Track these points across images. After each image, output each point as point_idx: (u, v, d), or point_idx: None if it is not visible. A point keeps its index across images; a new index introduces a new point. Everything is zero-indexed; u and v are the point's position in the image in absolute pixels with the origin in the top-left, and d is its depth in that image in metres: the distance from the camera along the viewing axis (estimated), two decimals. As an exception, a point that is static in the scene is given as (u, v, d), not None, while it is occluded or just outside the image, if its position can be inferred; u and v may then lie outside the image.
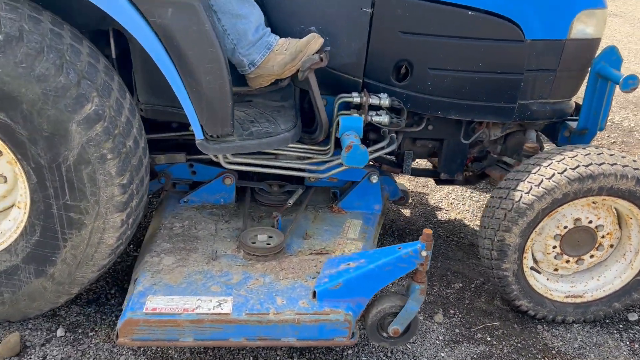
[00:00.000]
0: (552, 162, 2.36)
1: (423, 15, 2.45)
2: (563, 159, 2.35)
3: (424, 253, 2.04)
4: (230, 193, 2.75)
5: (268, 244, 2.37)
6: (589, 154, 2.35)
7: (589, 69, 2.78)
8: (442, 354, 2.34)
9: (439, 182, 3.17)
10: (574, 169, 2.30)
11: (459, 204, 3.62)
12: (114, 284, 2.57)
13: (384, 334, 2.18)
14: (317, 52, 2.40)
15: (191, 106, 2.22)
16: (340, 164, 2.61)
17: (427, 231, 2.04)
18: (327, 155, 2.63)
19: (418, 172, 3.12)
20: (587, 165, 2.30)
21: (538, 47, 2.58)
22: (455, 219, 3.45)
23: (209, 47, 2.15)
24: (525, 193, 2.33)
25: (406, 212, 3.47)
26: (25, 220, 2.09)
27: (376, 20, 2.46)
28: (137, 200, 2.19)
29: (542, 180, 2.32)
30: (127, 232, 2.21)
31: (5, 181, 2.19)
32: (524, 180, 2.37)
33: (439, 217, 3.44)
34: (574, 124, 2.86)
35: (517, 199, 2.35)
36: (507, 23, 2.49)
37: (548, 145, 3.06)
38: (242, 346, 2.08)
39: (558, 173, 2.31)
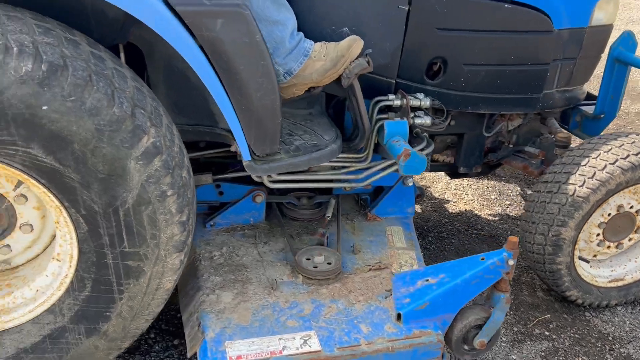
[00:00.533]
0: (600, 153, 2.36)
1: (461, 10, 2.35)
2: (611, 149, 2.35)
3: (510, 262, 1.97)
4: (261, 211, 2.55)
5: (329, 262, 2.21)
6: (635, 142, 2.37)
7: (601, 55, 2.83)
8: (513, 357, 2.31)
9: (454, 175, 3.12)
10: (624, 158, 2.31)
11: (462, 193, 3.60)
12: (150, 327, 2.30)
13: (466, 347, 2.11)
14: (358, 56, 2.25)
15: (239, 125, 2.00)
16: (380, 171, 2.48)
17: (513, 239, 1.97)
18: (363, 162, 2.49)
19: (435, 168, 3.05)
20: (637, 154, 2.32)
21: (564, 36, 2.57)
22: (466, 210, 3.42)
23: (260, 60, 1.94)
24: (579, 186, 2.32)
25: (416, 207, 3.40)
26: (71, 274, 1.79)
27: (413, 17, 2.33)
28: (192, 237, 1.95)
29: (595, 172, 2.32)
30: (181, 272, 1.98)
31: (32, 230, 1.88)
32: (574, 173, 2.36)
33: (450, 210, 3.41)
34: (588, 110, 2.89)
35: (571, 193, 2.33)
36: (539, 14, 2.45)
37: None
38: (335, 383, 1.91)
39: (610, 164, 2.31)
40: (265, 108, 2.01)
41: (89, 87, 1.58)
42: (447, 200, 3.51)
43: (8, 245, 1.88)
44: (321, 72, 2.25)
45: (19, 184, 1.73)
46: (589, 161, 2.36)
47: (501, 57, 2.49)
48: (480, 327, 2.06)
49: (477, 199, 3.54)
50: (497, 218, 3.36)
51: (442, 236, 3.12)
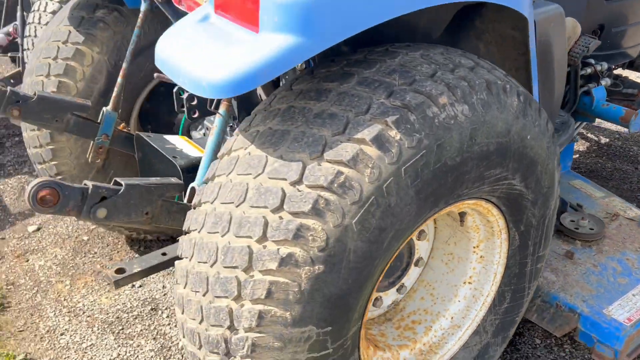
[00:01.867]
0: None
1: (624, -18, 2.69)
2: None
3: None
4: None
5: (591, 228, 2.48)
6: None
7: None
8: None
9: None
10: None
11: (530, 142, 4.02)
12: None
13: None
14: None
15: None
16: (572, 133, 2.77)
17: None
18: (558, 129, 2.75)
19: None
20: None
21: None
22: (550, 155, 3.85)
23: (565, 53, 2.09)
24: None
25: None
26: (493, 292, 1.84)
27: (593, -6, 2.61)
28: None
29: None
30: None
31: (424, 262, 1.87)
32: None
33: (539, 158, 3.81)
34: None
35: None
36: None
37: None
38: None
39: None
40: (559, 91, 2.17)
41: (538, 109, 1.64)
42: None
43: (403, 284, 1.86)
44: (551, 56, 2.44)
45: (462, 216, 1.72)
46: None
47: (634, 16, 2.90)
48: None
49: (546, 144, 3.99)
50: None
51: (560, 181, 3.51)
